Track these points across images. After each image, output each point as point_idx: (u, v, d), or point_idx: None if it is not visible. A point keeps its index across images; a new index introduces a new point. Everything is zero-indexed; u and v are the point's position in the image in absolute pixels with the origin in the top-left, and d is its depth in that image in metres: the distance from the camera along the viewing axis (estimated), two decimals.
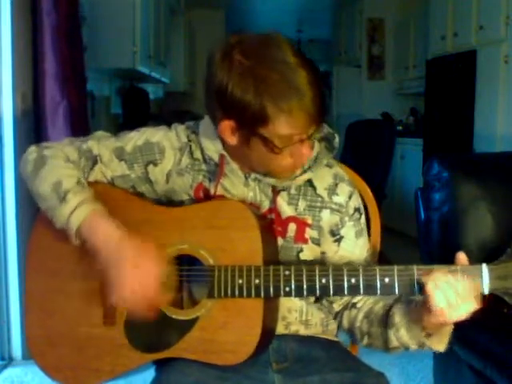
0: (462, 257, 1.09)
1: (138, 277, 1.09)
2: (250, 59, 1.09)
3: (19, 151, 2.51)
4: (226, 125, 1.14)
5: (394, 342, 1.18)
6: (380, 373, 1.21)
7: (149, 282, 1.09)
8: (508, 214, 1.72)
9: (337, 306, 1.30)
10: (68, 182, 1.19)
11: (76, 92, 2.66)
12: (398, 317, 1.16)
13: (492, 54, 4.09)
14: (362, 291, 1.11)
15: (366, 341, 1.25)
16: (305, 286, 1.11)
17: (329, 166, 1.29)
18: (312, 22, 8.22)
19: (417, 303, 1.12)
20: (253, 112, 1.09)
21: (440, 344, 1.14)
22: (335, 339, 1.36)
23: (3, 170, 2.57)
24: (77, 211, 1.15)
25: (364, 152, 4.20)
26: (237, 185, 1.25)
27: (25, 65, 2.61)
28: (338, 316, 1.31)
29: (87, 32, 3.12)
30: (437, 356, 1.86)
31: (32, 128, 2.64)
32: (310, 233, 1.26)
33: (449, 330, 1.12)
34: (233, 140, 1.16)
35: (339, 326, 1.35)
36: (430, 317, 1.06)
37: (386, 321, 1.18)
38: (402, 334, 1.15)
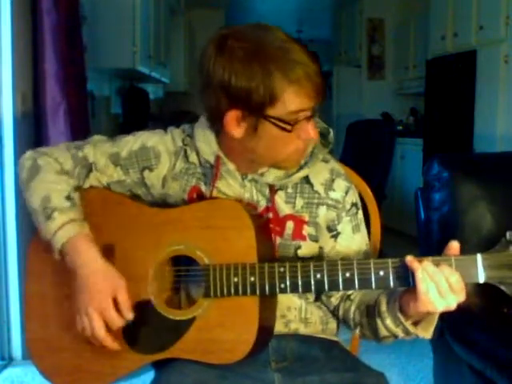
0: (455, 245, 1.08)
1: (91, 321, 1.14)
2: (248, 42, 1.10)
3: (19, 152, 2.50)
4: (232, 115, 1.13)
5: (383, 332, 1.18)
6: (380, 373, 1.21)
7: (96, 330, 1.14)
8: (508, 213, 1.72)
9: (334, 300, 1.30)
10: (56, 198, 1.20)
11: (76, 92, 2.66)
12: (383, 305, 1.16)
13: (492, 53, 4.09)
14: (356, 285, 1.10)
15: (359, 331, 1.26)
16: (300, 282, 1.11)
17: (325, 161, 1.29)
18: (312, 21, 8.22)
19: (401, 290, 1.12)
20: (261, 93, 1.09)
21: (426, 332, 1.14)
22: (335, 339, 1.36)
23: (3, 171, 2.58)
24: (61, 231, 1.17)
25: (364, 152, 4.20)
26: (233, 186, 1.24)
27: (25, 65, 2.61)
28: (335, 310, 1.31)
29: (87, 32, 3.12)
30: (437, 356, 1.86)
31: (32, 128, 2.64)
32: (307, 230, 1.26)
33: (435, 317, 1.12)
34: (238, 131, 1.15)
35: (338, 322, 1.35)
36: (417, 305, 1.05)
37: (373, 311, 1.19)
38: (388, 322, 1.15)
